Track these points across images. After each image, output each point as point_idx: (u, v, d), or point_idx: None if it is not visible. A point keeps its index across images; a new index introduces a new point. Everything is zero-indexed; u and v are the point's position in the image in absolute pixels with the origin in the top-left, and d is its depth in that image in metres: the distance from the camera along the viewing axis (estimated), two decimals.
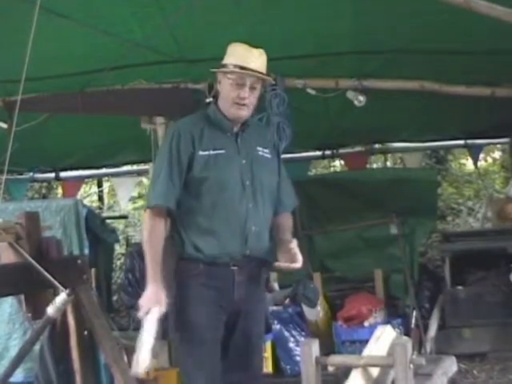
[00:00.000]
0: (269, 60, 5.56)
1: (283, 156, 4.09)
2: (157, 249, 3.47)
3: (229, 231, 3.52)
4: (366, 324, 6.41)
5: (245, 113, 3.60)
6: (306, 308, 6.34)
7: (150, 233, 3.50)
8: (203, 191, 3.51)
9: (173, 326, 3.60)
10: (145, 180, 11.81)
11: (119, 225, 12.26)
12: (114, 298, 9.56)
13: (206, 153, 3.54)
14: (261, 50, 3.63)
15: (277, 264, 3.58)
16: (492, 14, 3.70)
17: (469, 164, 12.42)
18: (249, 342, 3.60)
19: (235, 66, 3.53)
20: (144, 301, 3.42)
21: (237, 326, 3.57)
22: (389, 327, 3.38)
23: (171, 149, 3.53)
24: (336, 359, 3.13)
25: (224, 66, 3.60)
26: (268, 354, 6.24)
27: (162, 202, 3.50)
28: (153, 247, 3.48)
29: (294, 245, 3.62)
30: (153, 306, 3.38)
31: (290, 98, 5.83)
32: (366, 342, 3.31)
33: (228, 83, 3.57)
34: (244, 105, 3.56)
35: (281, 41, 5.15)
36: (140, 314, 3.42)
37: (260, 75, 3.58)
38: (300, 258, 3.62)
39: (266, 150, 3.72)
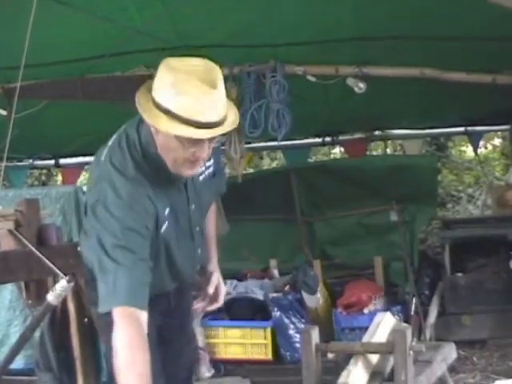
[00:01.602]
0: (269, 46, 5.61)
1: (283, 143, 4.01)
2: (146, 364, 2.44)
3: (175, 280, 2.95)
4: (366, 311, 6.42)
5: (199, 168, 2.70)
6: (305, 295, 6.34)
7: (136, 337, 2.48)
8: (162, 256, 2.79)
9: None
10: None
11: None
12: None
13: (165, 213, 2.72)
14: (216, 91, 2.48)
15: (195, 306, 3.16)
16: (493, 0, 3.69)
17: (469, 151, 12.40)
18: None
19: (185, 120, 2.44)
20: None
21: None
22: (388, 314, 3.39)
23: (128, 237, 2.54)
24: (336, 346, 3.14)
25: (164, 110, 2.50)
26: (268, 340, 6.26)
27: (132, 301, 2.51)
28: (139, 360, 2.44)
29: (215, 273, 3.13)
30: None
31: (289, 85, 5.82)
32: (366, 328, 3.31)
33: (174, 140, 2.51)
34: (201, 160, 2.62)
35: (281, 27, 5.14)
36: None
37: (223, 130, 2.52)
38: (223, 289, 3.17)
39: (209, 163, 2.88)
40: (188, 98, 2.46)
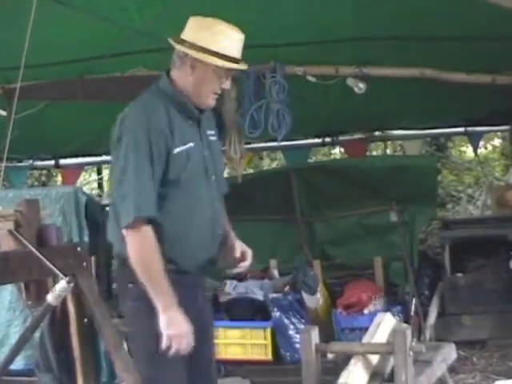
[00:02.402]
0: (269, 47, 5.60)
1: (283, 143, 4.06)
2: (157, 266, 3.00)
3: (200, 239, 3.19)
4: (366, 311, 6.42)
5: (215, 100, 3.26)
6: (305, 295, 6.34)
7: (149, 247, 3.01)
8: (176, 195, 3.11)
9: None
10: None
11: None
12: (114, 285, 9.56)
13: (179, 149, 3.09)
14: (238, 30, 3.21)
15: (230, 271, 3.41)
16: (492, 0, 3.69)
17: (469, 151, 12.41)
18: None
19: (222, 56, 3.10)
20: (169, 332, 2.98)
21: None
22: (388, 314, 3.39)
23: (149, 148, 3.02)
24: (336, 346, 3.13)
25: (204, 49, 3.12)
26: (268, 341, 6.26)
27: (154, 212, 3.02)
28: (150, 267, 3.00)
29: (237, 240, 3.40)
30: (180, 338, 2.99)
31: (289, 86, 5.82)
32: (366, 329, 3.32)
33: (211, 74, 3.14)
34: (216, 95, 3.23)
35: (281, 28, 5.15)
36: (166, 347, 2.99)
37: (246, 67, 3.26)
38: (249, 251, 3.40)
39: (213, 132, 3.36)
40: (230, 42, 3.15)
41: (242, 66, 3.20)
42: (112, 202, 3.21)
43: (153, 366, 3.09)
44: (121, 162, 3.06)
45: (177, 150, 3.08)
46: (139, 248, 3.01)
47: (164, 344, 2.97)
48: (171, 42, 3.21)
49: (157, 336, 2.99)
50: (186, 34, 3.20)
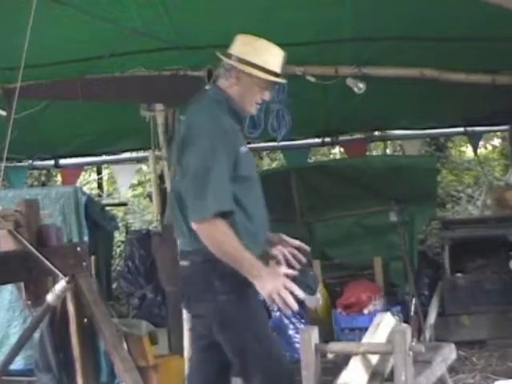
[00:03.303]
0: None
1: (283, 143, 4.12)
2: (236, 246, 3.24)
3: (262, 230, 3.53)
4: (366, 311, 6.42)
5: None
6: (305, 295, 6.34)
7: (223, 242, 3.25)
8: (244, 191, 3.40)
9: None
10: (144, 167, 11.81)
11: (119, 212, 12.27)
12: (114, 285, 9.57)
13: (244, 149, 3.42)
14: (278, 48, 3.57)
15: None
16: (492, 1, 3.69)
17: (468, 151, 12.42)
18: None
19: (263, 69, 3.45)
20: (266, 291, 3.20)
21: None
22: (388, 314, 3.39)
23: (223, 147, 3.30)
24: (335, 346, 3.13)
25: (248, 62, 3.45)
26: None
27: (229, 206, 3.29)
28: (230, 250, 3.25)
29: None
30: (277, 291, 3.17)
31: (289, 86, 5.81)
32: (366, 329, 3.31)
33: (254, 85, 3.49)
34: (260, 104, 3.58)
35: (280, 28, 5.13)
36: (275, 300, 3.19)
37: (284, 81, 3.64)
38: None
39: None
40: (271, 57, 3.49)
41: (282, 80, 3.55)
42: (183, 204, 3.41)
43: (263, 342, 3.36)
44: (198, 162, 3.29)
45: (242, 149, 3.39)
46: (217, 240, 3.24)
47: (269, 302, 3.22)
48: (220, 55, 3.53)
49: (256, 317, 3.36)
50: (233, 49, 3.51)
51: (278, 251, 3.67)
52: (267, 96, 3.54)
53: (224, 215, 3.23)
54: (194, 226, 3.27)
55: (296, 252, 3.66)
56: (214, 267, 3.28)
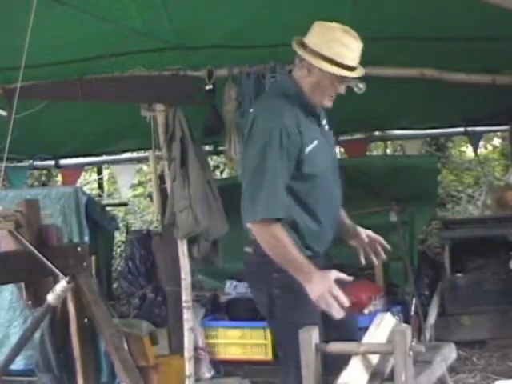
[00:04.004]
0: (269, 47, 5.60)
1: None
2: (290, 250, 3.25)
3: (329, 227, 3.50)
4: (366, 311, 6.42)
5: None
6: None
7: (274, 245, 3.27)
8: (308, 190, 3.37)
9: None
10: (145, 167, 11.81)
11: (119, 212, 12.28)
12: (114, 285, 9.58)
13: (310, 147, 3.33)
14: (357, 39, 3.36)
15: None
16: (492, 1, 3.69)
17: (469, 151, 12.41)
18: None
19: (336, 62, 3.30)
20: (316, 297, 3.19)
21: None
22: (388, 314, 3.39)
23: (282, 148, 3.23)
24: (335, 346, 3.13)
25: (319, 55, 3.31)
26: (268, 341, 6.27)
27: (284, 213, 3.27)
28: (281, 254, 3.27)
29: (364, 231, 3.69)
30: (326, 298, 3.17)
31: None
32: (366, 329, 3.31)
33: (325, 78, 3.35)
34: (334, 96, 3.46)
35: (280, 27, 5.13)
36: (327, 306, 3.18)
37: (359, 74, 3.43)
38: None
39: (325, 121, 3.60)
40: (346, 50, 3.29)
41: (355, 74, 3.37)
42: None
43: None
44: (255, 161, 3.28)
45: (308, 148, 3.30)
46: (268, 243, 3.28)
47: (322, 307, 3.17)
48: (294, 43, 3.38)
49: (301, 312, 3.31)
50: (308, 38, 3.38)
51: (358, 243, 3.72)
52: (342, 89, 3.42)
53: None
54: (247, 225, 3.35)
55: (377, 246, 3.72)
56: (274, 260, 3.30)
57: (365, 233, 3.71)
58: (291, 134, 3.26)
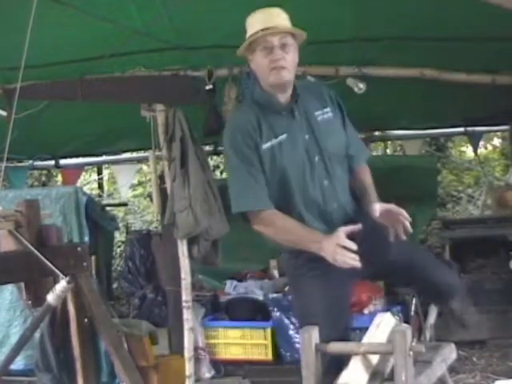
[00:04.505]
0: None
1: None
2: (292, 231, 3.29)
3: (312, 216, 3.37)
4: (366, 311, 6.42)
5: (286, 75, 3.35)
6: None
7: (275, 230, 3.31)
8: (279, 183, 3.32)
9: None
10: (145, 167, 11.81)
11: (119, 212, 12.28)
12: (114, 285, 9.59)
13: (272, 142, 3.31)
14: (278, 9, 3.41)
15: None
16: (493, 1, 3.69)
17: (469, 151, 12.42)
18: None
19: (255, 33, 3.33)
20: (329, 252, 3.14)
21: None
22: (388, 314, 3.39)
23: (236, 152, 3.30)
24: (336, 346, 3.13)
25: (243, 44, 3.40)
26: (268, 341, 6.26)
27: (263, 205, 3.29)
28: (290, 234, 3.30)
29: (382, 205, 3.40)
30: (335, 254, 3.13)
31: None
32: (366, 329, 3.31)
33: (257, 55, 3.34)
34: (282, 67, 3.33)
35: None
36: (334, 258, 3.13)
37: (283, 29, 3.33)
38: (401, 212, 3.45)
39: (326, 110, 3.49)
40: (255, 17, 3.41)
41: (270, 30, 3.31)
42: None
43: (304, 319, 3.40)
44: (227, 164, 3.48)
45: (266, 144, 3.30)
46: (269, 233, 3.34)
47: (336, 265, 3.12)
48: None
49: (310, 294, 3.37)
50: None
51: (383, 220, 3.46)
52: (276, 54, 3.30)
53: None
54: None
55: (399, 219, 3.53)
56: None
57: (384, 208, 3.44)
58: (243, 133, 3.30)
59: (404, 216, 3.47)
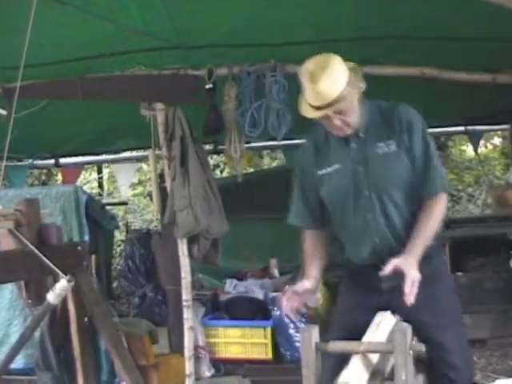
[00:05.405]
0: (269, 46, 5.60)
1: (284, 142, 4.09)
2: (306, 252, 3.71)
3: (351, 247, 3.53)
4: None
5: (348, 130, 3.40)
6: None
7: (304, 246, 3.74)
8: (330, 209, 3.54)
9: None
10: (145, 166, 11.81)
11: (119, 211, 12.29)
12: (114, 284, 9.59)
13: (326, 170, 3.48)
14: (326, 72, 3.42)
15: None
16: (493, 1, 3.69)
17: (469, 150, 12.41)
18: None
19: (306, 108, 3.45)
20: None
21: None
22: (389, 314, 3.39)
23: (298, 171, 3.64)
24: (336, 345, 3.13)
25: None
26: (268, 340, 6.26)
27: (296, 222, 3.73)
28: (304, 254, 3.71)
29: (397, 262, 3.21)
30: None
31: (289, 85, 5.81)
32: None
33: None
34: (342, 128, 3.38)
35: (281, 27, 5.14)
36: None
37: (336, 108, 3.32)
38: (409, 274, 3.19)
39: (389, 142, 3.41)
40: (310, 92, 3.42)
41: (318, 114, 3.35)
42: None
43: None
44: None
45: (321, 171, 3.49)
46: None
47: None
48: None
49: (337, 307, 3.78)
50: None
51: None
52: (334, 125, 3.37)
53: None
54: None
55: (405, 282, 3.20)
56: None
57: (396, 266, 3.23)
58: (305, 155, 3.58)
59: (407, 283, 3.16)
